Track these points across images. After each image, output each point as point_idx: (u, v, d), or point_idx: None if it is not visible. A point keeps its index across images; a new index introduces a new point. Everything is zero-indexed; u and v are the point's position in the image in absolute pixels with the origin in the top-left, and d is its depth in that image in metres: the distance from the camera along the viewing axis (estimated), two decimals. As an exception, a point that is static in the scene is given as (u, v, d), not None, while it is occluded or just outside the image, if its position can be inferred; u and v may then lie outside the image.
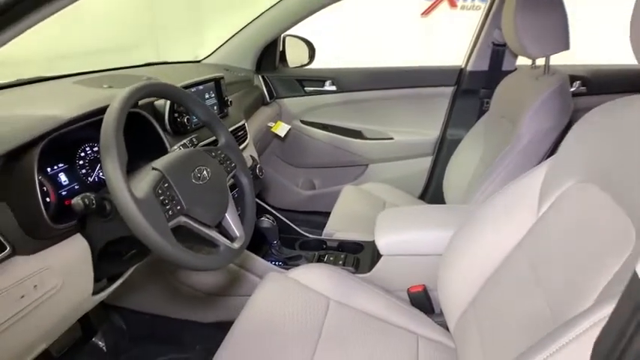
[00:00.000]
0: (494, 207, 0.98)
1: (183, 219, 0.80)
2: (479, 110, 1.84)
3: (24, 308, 0.72)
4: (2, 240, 0.70)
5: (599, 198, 0.72)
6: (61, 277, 0.79)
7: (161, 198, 0.77)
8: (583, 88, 1.77)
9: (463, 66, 1.89)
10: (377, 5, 4.33)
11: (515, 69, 1.76)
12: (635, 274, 0.40)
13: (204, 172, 0.89)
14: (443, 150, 1.96)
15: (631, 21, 0.68)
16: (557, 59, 1.33)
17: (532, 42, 1.26)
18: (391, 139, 2.02)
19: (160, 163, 0.83)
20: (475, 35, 1.83)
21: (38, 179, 0.76)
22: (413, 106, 1.98)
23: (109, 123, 0.73)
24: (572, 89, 1.76)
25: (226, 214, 0.93)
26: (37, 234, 0.75)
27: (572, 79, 1.76)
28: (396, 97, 1.98)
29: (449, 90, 1.91)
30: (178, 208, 0.79)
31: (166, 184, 0.79)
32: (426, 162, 2.02)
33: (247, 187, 1.03)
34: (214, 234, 0.87)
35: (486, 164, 1.43)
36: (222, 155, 0.98)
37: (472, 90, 1.86)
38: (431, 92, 1.94)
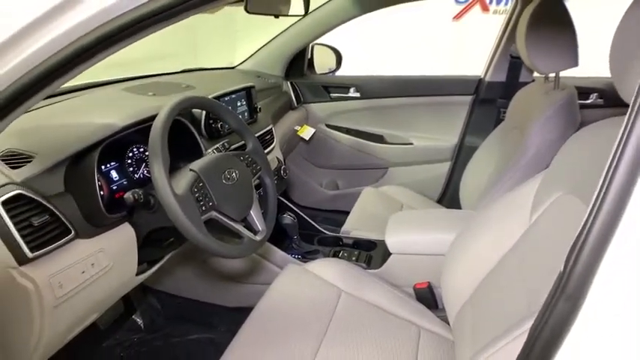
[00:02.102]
0: (493, 213, 1.07)
1: (214, 213, 0.94)
2: (495, 119, 1.91)
3: (84, 282, 0.87)
4: (69, 225, 0.85)
5: (580, 210, 0.80)
6: (112, 258, 0.94)
7: (196, 195, 0.91)
8: (600, 101, 1.81)
9: (482, 76, 1.96)
10: (408, 10, 4.36)
11: (533, 80, 1.81)
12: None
13: (233, 173, 1.03)
14: (461, 156, 2.03)
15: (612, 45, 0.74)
16: (577, 71, 1.38)
17: (541, 58, 1.33)
18: (411, 144, 2.11)
19: (197, 165, 0.97)
20: (494, 47, 1.90)
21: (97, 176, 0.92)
22: (433, 113, 2.06)
23: (157, 132, 0.88)
24: (588, 101, 1.80)
25: (251, 211, 1.06)
26: (94, 221, 0.91)
27: (590, 91, 1.79)
28: (416, 104, 2.07)
29: (468, 99, 1.98)
30: (210, 204, 0.93)
31: (201, 184, 0.94)
32: (445, 167, 2.10)
33: (270, 187, 1.17)
34: (240, 227, 1.00)
35: (498, 172, 1.50)
36: (249, 159, 1.12)
37: (490, 100, 1.93)
38: (450, 100, 2.02)
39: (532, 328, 0.50)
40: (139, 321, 1.53)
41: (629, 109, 0.45)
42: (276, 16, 1.26)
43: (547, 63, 1.34)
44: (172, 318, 1.58)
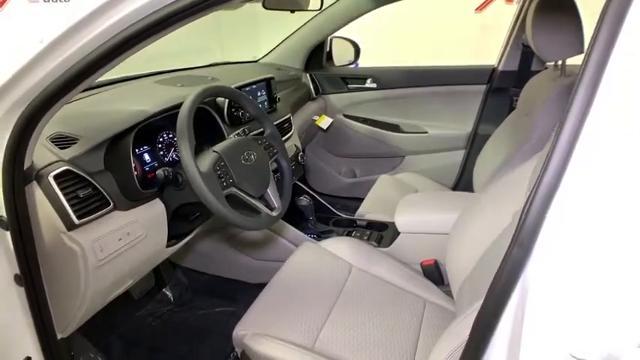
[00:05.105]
0: (492, 193, 1.14)
1: (234, 190, 1.05)
2: (509, 107, 1.95)
3: (120, 248, 1.00)
4: (108, 198, 0.98)
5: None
6: (145, 228, 1.07)
7: (218, 173, 1.02)
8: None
9: (496, 65, 2.00)
10: (430, 2, 4.36)
11: (546, 68, 1.84)
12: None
13: (252, 155, 1.13)
14: (475, 144, 2.08)
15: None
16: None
17: (547, 45, 1.37)
18: (426, 133, 2.18)
19: (219, 147, 1.09)
20: (507, 36, 1.94)
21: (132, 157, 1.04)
22: (447, 102, 2.12)
23: (183, 117, 0.99)
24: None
25: (268, 189, 1.17)
26: (130, 196, 1.04)
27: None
28: (431, 94, 2.13)
29: (482, 88, 2.03)
30: (230, 181, 1.04)
31: (222, 163, 1.05)
32: (459, 155, 2.15)
33: (286, 169, 1.27)
34: (258, 203, 1.11)
35: (508, 157, 1.56)
36: (267, 143, 1.22)
37: (503, 88, 1.97)
38: (465, 90, 2.07)
39: (495, 276, 0.58)
40: (169, 294, 1.67)
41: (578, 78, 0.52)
42: (292, 11, 1.35)
43: (553, 50, 1.38)
44: (199, 292, 1.71)
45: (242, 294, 1.67)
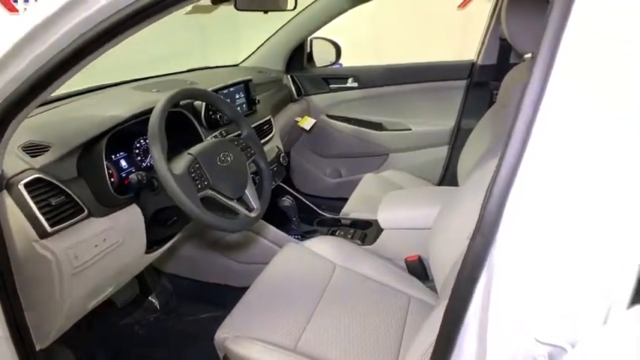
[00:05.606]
0: (472, 185, 1.14)
1: (210, 192, 1.05)
2: (489, 101, 1.97)
3: (97, 254, 0.99)
4: (82, 205, 0.97)
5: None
6: (122, 235, 1.06)
7: (192, 175, 1.02)
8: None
9: (475, 60, 2.02)
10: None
11: (524, 60, 1.86)
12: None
13: (228, 157, 1.13)
14: (458, 139, 2.09)
15: None
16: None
17: (522, 37, 1.38)
18: (409, 129, 2.18)
19: (194, 149, 1.08)
20: (484, 30, 1.95)
21: (105, 163, 1.03)
22: (429, 98, 2.13)
23: (154, 120, 0.99)
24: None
25: (246, 191, 1.16)
26: (104, 202, 1.03)
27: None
28: (413, 90, 2.14)
29: (462, 83, 2.04)
30: (205, 183, 1.04)
31: (197, 165, 1.04)
32: (443, 151, 2.16)
33: (265, 170, 1.27)
34: (235, 204, 1.10)
35: (489, 151, 1.57)
36: (244, 144, 1.22)
37: (483, 83, 1.98)
38: (446, 85, 2.08)
39: (461, 266, 0.58)
40: (155, 302, 1.65)
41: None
42: (266, 12, 1.35)
43: (528, 41, 1.38)
44: (185, 298, 1.70)
45: (228, 298, 1.65)
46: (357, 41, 2.69)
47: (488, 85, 1.97)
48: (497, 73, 1.89)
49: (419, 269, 1.36)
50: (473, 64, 2.02)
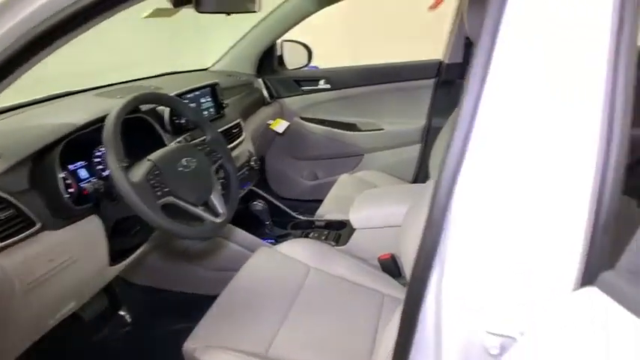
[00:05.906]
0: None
1: (171, 198, 1.01)
2: (458, 99, 1.97)
3: (53, 269, 0.95)
4: (35, 219, 0.93)
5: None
6: (81, 246, 1.02)
7: (152, 182, 0.98)
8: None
9: (443, 59, 2.03)
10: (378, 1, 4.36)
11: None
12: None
13: (191, 162, 1.10)
14: (430, 137, 2.10)
15: None
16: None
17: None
18: (382, 129, 2.18)
19: (154, 155, 1.05)
20: (450, 30, 1.97)
21: (62, 173, 0.99)
22: (400, 98, 2.13)
23: (109, 126, 0.95)
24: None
25: (211, 196, 1.13)
26: (60, 214, 0.98)
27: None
28: (384, 91, 2.14)
29: (431, 82, 2.05)
30: (166, 190, 1.01)
31: (157, 172, 1.01)
32: (416, 149, 2.17)
33: (232, 173, 1.24)
34: (199, 211, 1.07)
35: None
36: (208, 149, 1.19)
37: (451, 81, 2.00)
38: (415, 85, 2.09)
39: (415, 260, 0.57)
40: (126, 315, 1.60)
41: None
42: (228, 14, 1.32)
43: None
44: (156, 310, 1.65)
45: (202, 307, 1.62)
46: (329, 42, 2.67)
47: (455, 83, 1.99)
48: (463, 71, 1.90)
49: (392, 267, 1.35)
50: (440, 63, 2.03)
